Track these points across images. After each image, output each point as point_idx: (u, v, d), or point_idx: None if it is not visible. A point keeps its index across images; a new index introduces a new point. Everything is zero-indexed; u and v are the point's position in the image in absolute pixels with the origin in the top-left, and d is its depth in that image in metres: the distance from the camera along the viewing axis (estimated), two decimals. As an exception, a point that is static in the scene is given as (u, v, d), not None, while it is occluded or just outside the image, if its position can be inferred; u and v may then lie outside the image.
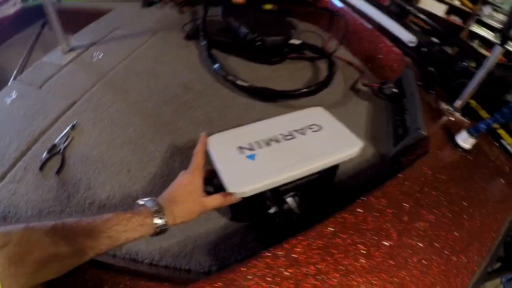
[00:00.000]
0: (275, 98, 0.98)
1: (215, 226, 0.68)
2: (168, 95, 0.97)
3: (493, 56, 0.87)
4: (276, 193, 0.63)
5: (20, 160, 0.77)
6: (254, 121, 0.73)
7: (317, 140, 0.67)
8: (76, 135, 0.84)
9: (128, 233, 0.50)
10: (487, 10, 1.84)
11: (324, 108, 0.78)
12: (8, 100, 0.93)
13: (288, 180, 0.61)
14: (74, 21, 1.26)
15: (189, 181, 0.59)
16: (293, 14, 1.40)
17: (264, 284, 0.50)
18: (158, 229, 0.53)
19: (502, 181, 0.81)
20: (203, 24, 1.17)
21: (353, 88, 1.11)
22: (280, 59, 1.15)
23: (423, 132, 0.79)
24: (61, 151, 0.79)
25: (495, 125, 0.89)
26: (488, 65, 0.88)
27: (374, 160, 0.86)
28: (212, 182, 0.63)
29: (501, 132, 0.96)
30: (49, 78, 1.01)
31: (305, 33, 1.35)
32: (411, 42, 1.13)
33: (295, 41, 1.17)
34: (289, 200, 0.67)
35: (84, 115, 0.89)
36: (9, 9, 1.37)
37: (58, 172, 0.75)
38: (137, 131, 0.85)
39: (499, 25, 1.82)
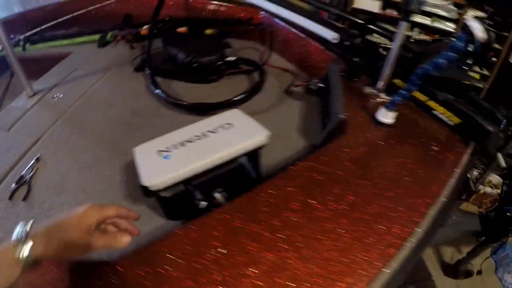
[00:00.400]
0: (211, 110, 1.13)
1: (156, 225, 0.80)
2: (121, 122, 1.12)
3: (400, 33, 0.90)
4: (204, 190, 0.77)
5: None
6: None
7: (226, 135, 0.80)
8: (40, 166, 0.99)
9: None
10: None
11: (242, 110, 0.90)
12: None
13: (198, 171, 0.74)
14: (40, 66, 1.43)
15: (84, 212, 0.53)
16: (233, 35, 1.57)
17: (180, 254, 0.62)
18: (22, 261, 0.46)
19: (435, 148, 0.85)
20: (148, 56, 1.33)
21: (287, 91, 1.26)
22: (217, 76, 1.31)
23: (341, 116, 0.89)
24: (27, 181, 0.94)
25: (424, 98, 0.97)
26: (397, 42, 0.91)
27: (305, 151, 0.98)
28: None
29: (431, 103, 0.98)
30: (16, 121, 1.16)
31: (243, 49, 1.51)
32: (334, 38, 1.22)
33: (231, 58, 1.33)
34: (217, 195, 0.81)
35: (47, 149, 1.04)
36: None
37: (25, 198, 0.89)
38: (93, 156, 1.00)
39: (431, 8, 1.90)
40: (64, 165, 0.98)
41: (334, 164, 0.78)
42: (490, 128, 0.85)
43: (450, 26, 1.98)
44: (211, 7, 1.66)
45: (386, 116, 0.90)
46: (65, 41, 1.60)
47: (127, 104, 1.20)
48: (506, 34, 1.93)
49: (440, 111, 0.95)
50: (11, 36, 1.69)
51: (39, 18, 1.64)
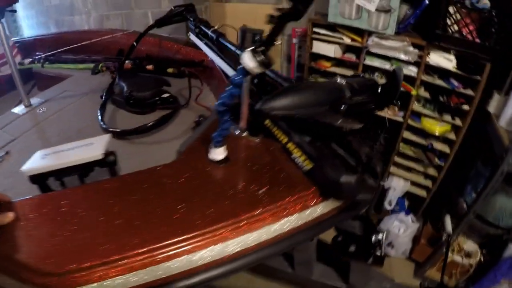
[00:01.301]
0: (130, 134, 1.46)
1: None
2: (69, 136, 1.54)
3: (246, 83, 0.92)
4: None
5: None
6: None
7: (82, 150, 1.13)
8: (6, 159, 1.46)
9: None
10: (371, 40, 1.85)
11: (109, 135, 1.19)
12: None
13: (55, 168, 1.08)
14: (54, 82, 1.97)
15: None
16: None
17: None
18: None
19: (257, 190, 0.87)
20: (109, 86, 1.76)
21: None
22: (150, 109, 1.66)
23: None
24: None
25: (284, 139, 0.99)
26: (244, 89, 0.92)
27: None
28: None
29: (290, 145, 0.99)
30: (9, 123, 1.67)
31: (184, 88, 1.81)
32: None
33: (165, 95, 1.68)
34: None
35: (17, 146, 1.50)
36: (7, 70, 2.09)
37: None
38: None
39: (387, 51, 1.85)
40: (22, 161, 1.41)
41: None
42: (335, 177, 0.78)
43: (412, 70, 1.87)
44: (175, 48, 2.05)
45: (215, 153, 0.96)
46: (71, 66, 2.13)
47: (80, 122, 1.62)
48: (478, 78, 1.72)
49: (296, 154, 0.94)
50: (37, 53, 2.30)
51: (60, 41, 2.17)
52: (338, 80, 0.85)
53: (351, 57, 2.01)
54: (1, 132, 1.63)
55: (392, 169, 2.20)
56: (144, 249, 0.72)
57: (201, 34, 1.74)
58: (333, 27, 1.93)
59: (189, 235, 0.75)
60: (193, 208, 0.83)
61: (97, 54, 2.19)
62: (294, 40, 2.19)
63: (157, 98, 1.66)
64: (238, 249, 0.80)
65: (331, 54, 2.02)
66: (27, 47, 2.55)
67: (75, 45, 2.12)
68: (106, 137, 1.20)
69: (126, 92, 1.62)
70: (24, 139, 1.56)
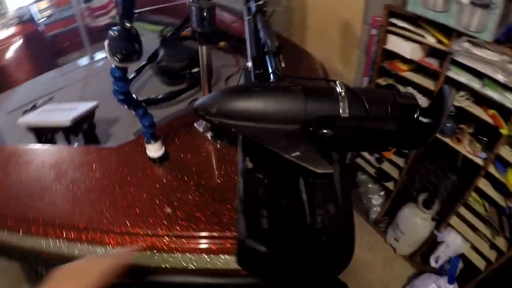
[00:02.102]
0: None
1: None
2: (101, 95, 1.60)
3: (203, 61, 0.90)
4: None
5: None
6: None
7: (65, 112, 1.20)
8: (48, 103, 1.64)
9: None
10: (459, 44, 1.31)
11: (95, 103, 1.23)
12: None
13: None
14: None
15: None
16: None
17: None
18: None
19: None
20: (153, 53, 1.76)
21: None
22: (178, 81, 1.59)
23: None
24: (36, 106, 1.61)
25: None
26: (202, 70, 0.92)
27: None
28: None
29: None
30: (69, 72, 1.86)
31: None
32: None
33: (195, 69, 1.59)
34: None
35: (62, 94, 1.67)
36: (103, 21, 2.32)
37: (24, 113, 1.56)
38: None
39: (478, 65, 1.29)
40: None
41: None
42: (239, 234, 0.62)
43: (509, 98, 1.23)
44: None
45: (149, 150, 0.89)
46: (146, 26, 2.22)
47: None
48: None
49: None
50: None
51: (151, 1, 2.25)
52: (337, 88, 0.59)
53: (433, 63, 1.52)
54: (62, 78, 1.81)
55: (453, 220, 1.67)
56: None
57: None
58: (415, 20, 1.48)
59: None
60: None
61: (175, 16, 2.19)
62: (374, 31, 1.78)
63: (187, 71, 1.59)
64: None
65: (407, 55, 1.56)
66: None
67: (152, 7, 2.19)
68: (91, 104, 1.21)
69: (157, 61, 1.59)
70: (71, 88, 1.70)
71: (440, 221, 1.78)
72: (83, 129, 1.15)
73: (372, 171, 2.13)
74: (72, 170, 0.92)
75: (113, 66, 0.69)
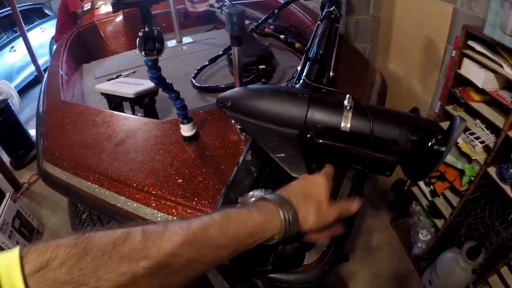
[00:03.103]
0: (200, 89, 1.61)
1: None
2: (176, 77, 1.79)
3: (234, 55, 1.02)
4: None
5: None
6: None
7: (130, 85, 1.37)
8: (131, 76, 1.88)
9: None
10: None
11: None
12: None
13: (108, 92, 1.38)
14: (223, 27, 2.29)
15: (323, 182, 0.54)
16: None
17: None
18: (284, 231, 0.47)
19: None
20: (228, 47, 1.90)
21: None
22: (245, 75, 1.69)
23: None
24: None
25: None
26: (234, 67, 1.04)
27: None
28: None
29: None
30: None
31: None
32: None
33: (261, 66, 1.68)
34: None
35: (144, 70, 1.90)
36: (201, 7, 2.54)
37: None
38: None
39: None
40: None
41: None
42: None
43: None
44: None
45: (182, 129, 0.97)
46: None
47: (192, 68, 1.83)
48: None
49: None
50: (226, 0, 2.65)
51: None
52: (345, 101, 0.62)
53: (506, 97, 1.36)
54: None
55: (492, 279, 1.48)
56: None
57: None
58: (494, 46, 1.34)
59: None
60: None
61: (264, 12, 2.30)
62: (454, 53, 1.66)
63: (254, 66, 1.67)
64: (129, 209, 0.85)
65: (479, 84, 1.41)
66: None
67: (244, 1, 2.33)
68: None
69: (229, 53, 1.71)
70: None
71: (480, 276, 1.60)
72: (144, 103, 1.32)
73: (425, 203, 1.99)
74: (124, 133, 1.07)
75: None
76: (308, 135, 0.63)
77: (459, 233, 1.81)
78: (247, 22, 2.30)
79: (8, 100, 2.98)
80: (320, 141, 0.62)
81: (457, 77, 1.57)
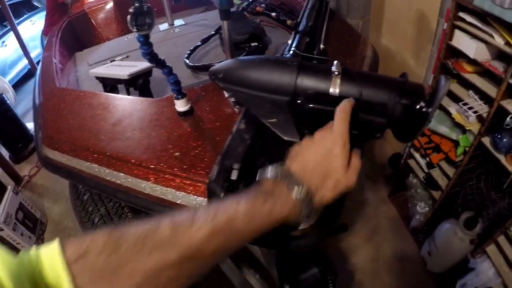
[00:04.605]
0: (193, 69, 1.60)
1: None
2: (169, 58, 1.81)
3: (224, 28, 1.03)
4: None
5: None
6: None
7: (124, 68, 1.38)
8: (124, 60, 1.87)
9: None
10: None
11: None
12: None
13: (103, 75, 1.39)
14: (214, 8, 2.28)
15: (339, 151, 0.51)
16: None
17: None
18: (303, 215, 0.48)
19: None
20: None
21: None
22: (238, 53, 1.69)
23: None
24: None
25: None
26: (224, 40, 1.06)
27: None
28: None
29: None
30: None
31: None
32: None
33: (254, 43, 1.67)
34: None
35: (137, 54, 1.90)
36: None
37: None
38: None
39: None
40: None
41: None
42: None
43: None
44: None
45: (176, 104, 0.99)
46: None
47: (185, 49, 1.82)
48: None
49: None
50: None
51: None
52: (333, 67, 0.63)
53: (498, 67, 1.37)
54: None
55: (490, 248, 1.51)
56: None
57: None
58: (485, 17, 1.35)
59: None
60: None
61: None
62: (445, 25, 1.65)
63: (247, 44, 1.67)
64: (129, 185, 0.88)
65: (470, 54, 1.41)
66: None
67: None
68: (148, 64, 1.35)
69: (221, 32, 1.70)
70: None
71: (478, 246, 1.64)
72: (139, 84, 1.32)
73: (421, 175, 2.02)
74: (120, 113, 1.09)
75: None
76: (298, 101, 0.65)
77: (456, 204, 1.84)
78: (238, 1, 2.29)
79: (3, 95, 2.97)
80: (310, 105, 0.64)
81: (449, 48, 1.57)
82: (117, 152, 0.91)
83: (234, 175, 0.62)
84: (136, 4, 0.75)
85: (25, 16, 4.94)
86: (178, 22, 2.23)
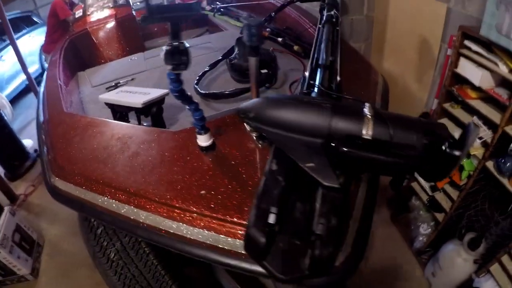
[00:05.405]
0: (204, 96, 1.61)
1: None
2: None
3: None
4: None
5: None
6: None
7: (136, 95, 1.38)
8: (129, 84, 1.86)
9: None
10: None
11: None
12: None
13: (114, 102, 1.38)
14: (217, 30, 2.26)
15: None
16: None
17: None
18: None
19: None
20: (229, 49, 1.89)
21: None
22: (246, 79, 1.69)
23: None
24: (118, 85, 1.85)
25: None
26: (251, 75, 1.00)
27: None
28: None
29: None
30: (153, 57, 2.09)
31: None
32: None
33: (264, 70, 1.68)
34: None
35: (142, 76, 1.89)
36: None
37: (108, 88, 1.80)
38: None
39: None
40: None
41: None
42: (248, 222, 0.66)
43: None
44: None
45: (199, 139, 0.96)
46: (231, 21, 2.38)
47: (192, 74, 1.80)
48: None
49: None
50: (217, 3, 2.65)
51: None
52: (365, 108, 0.66)
53: (502, 94, 1.41)
54: (145, 61, 2.04)
55: (494, 268, 1.53)
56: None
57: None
58: (490, 46, 1.39)
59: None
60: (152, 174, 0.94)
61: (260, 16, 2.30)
62: (449, 51, 1.70)
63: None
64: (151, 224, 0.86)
65: (476, 82, 1.46)
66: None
67: (238, 4, 2.34)
68: (162, 92, 1.35)
69: (230, 58, 1.71)
70: (151, 73, 1.91)
71: (482, 265, 1.65)
72: (152, 112, 1.31)
73: (425, 198, 2.04)
74: (135, 145, 1.07)
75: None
76: (333, 144, 0.65)
77: (459, 225, 1.86)
78: (240, 24, 2.31)
79: (1, 111, 2.92)
80: (345, 149, 0.64)
81: (454, 75, 1.61)
82: (138, 188, 0.89)
83: (271, 219, 0.61)
84: (173, 43, 0.75)
85: (24, 31, 4.90)
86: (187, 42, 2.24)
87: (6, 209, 2.24)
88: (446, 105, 1.72)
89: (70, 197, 1.06)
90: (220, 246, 0.77)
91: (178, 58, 0.77)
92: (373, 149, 0.64)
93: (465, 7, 1.65)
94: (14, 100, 4.44)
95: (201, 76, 1.74)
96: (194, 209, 0.80)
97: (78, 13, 2.90)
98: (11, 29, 3.71)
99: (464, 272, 1.75)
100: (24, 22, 5.05)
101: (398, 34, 2.20)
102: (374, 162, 0.67)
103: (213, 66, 1.82)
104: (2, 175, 2.87)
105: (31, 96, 4.34)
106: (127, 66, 2.14)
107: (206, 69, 1.79)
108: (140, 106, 1.27)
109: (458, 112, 1.67)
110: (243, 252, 0.73)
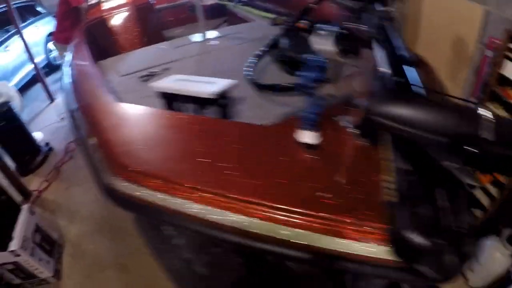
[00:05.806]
0: (263, 88, 1.53)
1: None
2: (220, 72, 1.68)
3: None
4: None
5: None
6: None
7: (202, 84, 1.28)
8: (165, 73, 1.75)
9: None
10: None
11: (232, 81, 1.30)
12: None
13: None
14: (239, 21, 2.15)
15: None
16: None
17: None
18: None
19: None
20: (273, 41, 1.81)
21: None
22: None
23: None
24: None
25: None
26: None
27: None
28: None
29: None
30: (182, 45, 1.99)
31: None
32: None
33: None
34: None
35: (177, 65, 1.79)
36: (208, 1, 2.45)
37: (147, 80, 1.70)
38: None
39: None
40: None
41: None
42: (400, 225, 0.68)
43: None
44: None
45: (305, 135, 0.92)
46: (255, 11, 2.29)
47: (233, 64, 1.76)
48: None
49: (388, 177, 0.82)
50: None
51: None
52: (481, 112, 0.67)
53: None
54: (174, 51, 1.94)
55: None
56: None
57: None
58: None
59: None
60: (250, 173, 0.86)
61: (286, 7, 2.23)
62: (488, 52, 1.69)
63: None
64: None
65: None
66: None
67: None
68: (230, 82, 1.27)
69: (281, 49, 1.64)
70: (186, 62, 1.82)
71: (519, 260, 1.67)
72: (222, 103, 1.22)
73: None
74: (225, 141, 0.99)
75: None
76: (464, 146, 0.66)
77: (499, 222, 1.87)
78: (272, 16, 2.23)
79: (10, 103, 2.74)
80: (475, 151, 0.65)
81: (498, 77, 1.61)
82: (244, 193, 0.81)
83: (427, 219, 0.61)
84: (340, 29, 0.73)
85: (29, 21, 4.64)
86: (210, 33, 2.14)
87: (24, 207, 2.10)
88: (490, 105, 1.72)
89: (137, 202, 0.94)
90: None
91: (345, 44, 0.77)
92: (498, 149, 0.66)
93: (504, 10, 1.64)
94: (20, 92, 4.17)
95: (253, 67, 1.66)
96: (315, 213, 0.73)
97: (91, 0, 2.77)
98: (17, 18, 3.52)
99: (502, 267, 1.79)
100: (28, 12, 4.78)
101: (433, 31, 2.18)
102: (499, 162, 0.69)
103: (259, 57, 1.74)
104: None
105: (37, 88, 4.15)
106: (155, 55, 2.03)
107: (254, 60, 1.71)
108: (214, 96, 1.17)
109: (501, 113, 1.67)
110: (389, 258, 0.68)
